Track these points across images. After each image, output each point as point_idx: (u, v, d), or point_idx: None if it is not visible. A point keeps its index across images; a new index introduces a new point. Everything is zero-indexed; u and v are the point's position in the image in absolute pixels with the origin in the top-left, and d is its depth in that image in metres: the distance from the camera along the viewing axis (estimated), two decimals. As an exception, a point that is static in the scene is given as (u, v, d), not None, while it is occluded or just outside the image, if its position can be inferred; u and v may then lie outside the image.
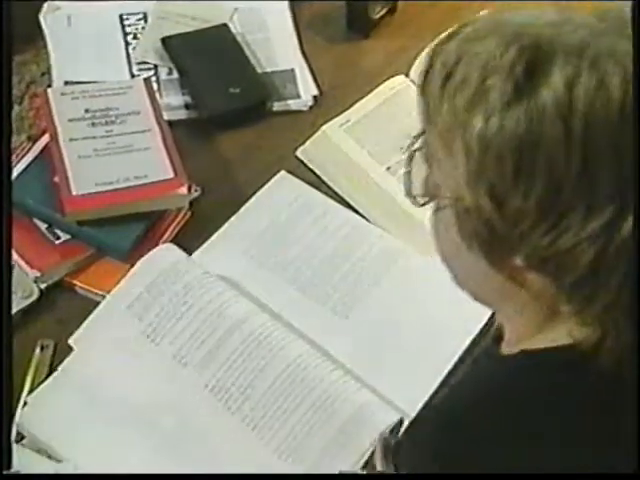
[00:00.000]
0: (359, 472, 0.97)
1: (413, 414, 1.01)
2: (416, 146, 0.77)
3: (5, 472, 0.88)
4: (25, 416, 1.00)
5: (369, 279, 1.15)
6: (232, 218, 1.19)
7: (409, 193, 0.79)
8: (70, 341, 1.05)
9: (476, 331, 1.08)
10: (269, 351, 1.03)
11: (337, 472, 0.96)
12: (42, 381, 1.03)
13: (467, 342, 1.08)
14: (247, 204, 1.20)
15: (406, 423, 1.00)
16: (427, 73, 0.73)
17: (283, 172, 1.23)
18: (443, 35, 0.73)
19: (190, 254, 1.13)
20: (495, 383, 0.78)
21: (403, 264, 1.16)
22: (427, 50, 0.75)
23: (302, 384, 1.01)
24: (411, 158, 0.78)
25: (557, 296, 0.72)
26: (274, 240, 1.17)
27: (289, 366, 1.02)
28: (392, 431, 0.98)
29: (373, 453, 0.96)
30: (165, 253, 1.10)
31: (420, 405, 1.02)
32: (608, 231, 0.66)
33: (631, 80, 0.64)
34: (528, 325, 0.78)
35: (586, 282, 0.68)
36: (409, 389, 1.04)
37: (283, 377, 1.02)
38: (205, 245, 1.15)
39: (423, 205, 0.78)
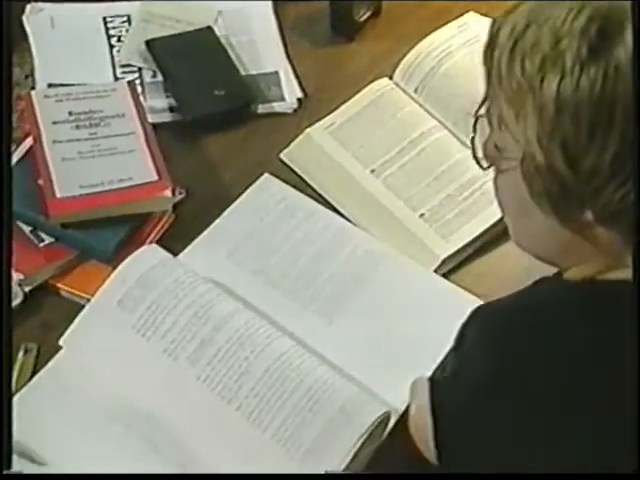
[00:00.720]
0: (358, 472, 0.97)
1: (401, 408, 1.00)
2: (480, 112, 0.80)
3: (5, 472, 0.88)
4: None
5: (353, 282, 1.15)
6: (216, 221, 1.18)
7: (475, 157, 0.82)
8: (60, 342, 1.04)
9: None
10: (256, 346, 1.02)
11: (328, 464, 0.95)
12: (25, 384, 1.03)
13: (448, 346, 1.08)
14: (231, 207, 1.20)
15: (393, 420, 1.00)
16: (492, 41, 0.76)
17: (267, 175, 1.23)
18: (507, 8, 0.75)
19: (174, 257, 1.13)
20: (554, 301, 0.80)
21: (387, 266, 1.16)
22: (491, 20, 0.77)
23: (291, 376, 1.01)
24: (475, 123, 0.81)
25: (624, 249, 0.74)
26: (258, 243, 1.17)
27: (276, 361, 1.02)
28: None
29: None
30: (150, 253, 1.10)
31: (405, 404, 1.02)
32: None
33: None
34: (590, 273, 0.80)
35: None
36: (394, 389, 1.03)
37: (270, 372, 1.01)
38: (189, 248, 1.15)
39: (488, 168, 0.81)
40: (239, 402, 0.99)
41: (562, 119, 0.70)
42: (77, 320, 1.05)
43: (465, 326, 0.84)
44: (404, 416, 0.99)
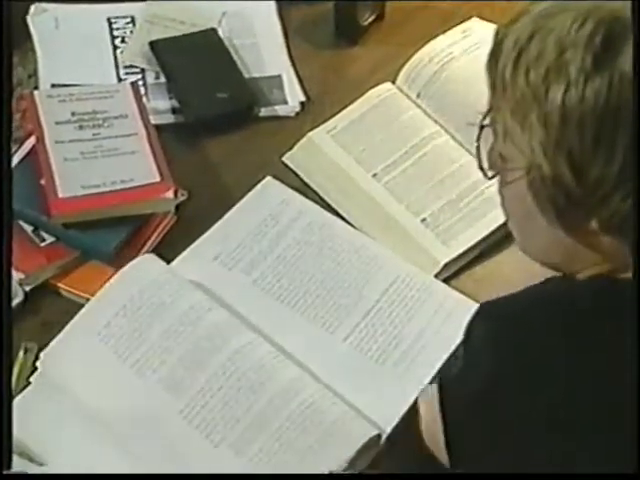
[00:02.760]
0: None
1: (389, 429, 1.00)
2: (485, 122, 0.80)
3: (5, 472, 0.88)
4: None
5: (354, 288, 1.14)
6: (217, 224, 1.18)
7: (480, 167, 0.82)
8: (41, 354, 1.03)
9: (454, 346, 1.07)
10: (250, 369, 1.02)
11: None
12: (26, 384, 1.03)
13: (444, 357, 1.07)
14: (231, 211, 1.20)
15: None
16: (496, 51, 0.76)
17: (269, 177, 1.23)
18: (512, 17, 0.76)
19: (174, 258, 1.13)
20: (561, 297, 0.80)
21: (388, 272, 1.16)
22: (495, 29, 0.77)
23: (276, 396, 1.01)
24: (480, 134, 0.82)
25: (629, 257, 0.74)
26: (258, 247, 1.16)
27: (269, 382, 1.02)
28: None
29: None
30: (143, 267, 1.10)
31: (395, 421, 1.01)
32: None
33: None
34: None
35: None
36: (386, 405, 1.03)
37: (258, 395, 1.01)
38: (186, 252, 1.15)
39: (492, 177, 0.81)
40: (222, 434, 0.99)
41: (567, 130, 0.70)
42: (56, 340, 1.04)
43: (472, 323, 0.84)
44: (415, 417, 0.99)
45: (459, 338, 0.95)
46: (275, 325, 1.09)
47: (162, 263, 1.10)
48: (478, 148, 0.84)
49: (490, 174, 0.83)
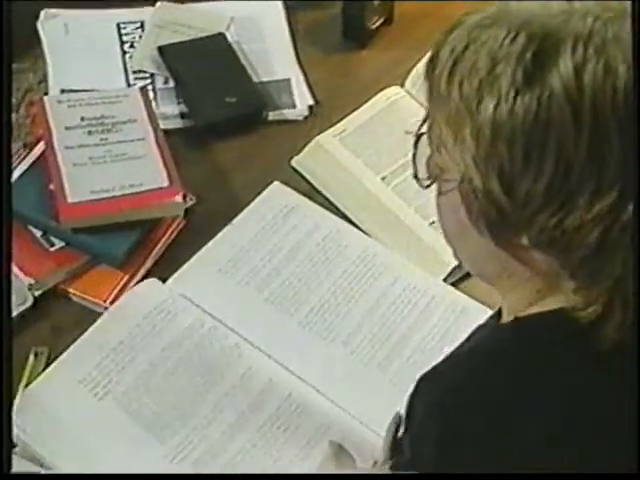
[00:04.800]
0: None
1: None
2: (422, 130, 0.79)
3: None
4: (16, 421, 0.99)
5: (360, 295, 1.14)
6: (222, 231, 1.18)
7: (416, 176, 0.81)
8: (25, 392, 1.03)
9: None
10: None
11: None
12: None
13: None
14: (238, 217, 1.20)
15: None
16: (433, 60, 0.75)
17: (277, 183, 1.24)
18: (450, 25, 0.75)
19: (183, 262, 1.14)
20: (487, 350, 0.79)
21: (396, 277, 1.16)
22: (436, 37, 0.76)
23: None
24: (417, 142, 0.81)
25: (560, 273, 0.73)
26: (265, 253, 1.17)
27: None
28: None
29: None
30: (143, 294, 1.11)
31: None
32: (614, 212, 0.68)
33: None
34: (526, 299, 0.79)
35: (591, 260, 0.70)
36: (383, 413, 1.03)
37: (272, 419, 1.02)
38: (192, 260, 1.15)
39: (428, 187, 0.80)
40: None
41: (497, 144, 0.70)
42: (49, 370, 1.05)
43: (412, 397, 0.83)
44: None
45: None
46: (276, 336, 1.10)
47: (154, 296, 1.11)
48: (414, 156, 0.82)
49: (426, 183, 0.81)
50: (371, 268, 1.16)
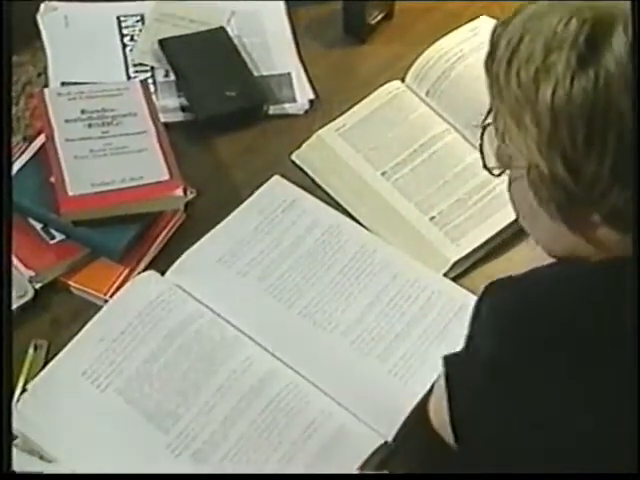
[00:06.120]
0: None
1: (391, 436, 1.00)
2: (487, 121, 0.82)
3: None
4: (17, 415, 0.99)
5: (360, 289, 1.14)
6: (220, 224, 1.18)
7: (484, 165, 0.84)
8: (28, 386, 1.03)
9: None
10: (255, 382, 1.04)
11: None
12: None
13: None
14: (239, 208, 1.20)
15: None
16: (492, 52, 0.77)
17: (277, 176, 1.23)
18: (505, 17, 0.78)
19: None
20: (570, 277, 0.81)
21: (395, 270, 1.16)
22: (491, 29, 0.79)
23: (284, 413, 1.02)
24: (483, 133, 0.83)
25: (630, 249, 0.74)
26: (264, 246, 1.16)
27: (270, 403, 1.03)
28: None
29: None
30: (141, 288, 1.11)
31: (396, 428, 1.01)
32: None
33: None
34: None
35: None
36: (387, 410, 1.03)
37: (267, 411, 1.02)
38: (193, 248, 1.15)
39: (499, 175, 0.83)
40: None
41: (558, 129, 0.71)
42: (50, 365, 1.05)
43: (480, 301, 0.85)
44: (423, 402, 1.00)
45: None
46: (275, 325, 1.10)
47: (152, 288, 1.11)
48: (482, 146, 0.85)
49: (497, 172, 0.84)
50: (371, 263, 1.16)
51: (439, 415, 0.88)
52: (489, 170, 0.85)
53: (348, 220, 1.21)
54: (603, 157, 0.70)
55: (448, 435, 0.84)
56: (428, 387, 1.02)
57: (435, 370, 0.92)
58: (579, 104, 0.70)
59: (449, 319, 1.11)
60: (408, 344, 1.09)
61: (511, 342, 0.79)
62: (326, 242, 1.18)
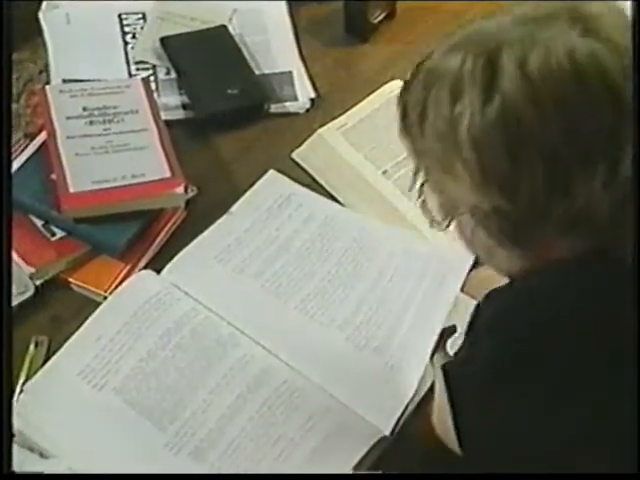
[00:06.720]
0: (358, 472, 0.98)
1: (388, 430, 1.01)
2: (420, 180, 0.84)
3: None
4: (16, 413, 0.99)
5: (359, 277, 1.14)
6: (219, 219, 1.18)
7: (431, 222, 0.86)
8: (26, 386, 1.03)
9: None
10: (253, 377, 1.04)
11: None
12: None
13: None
14: (234, 206, 1.20)
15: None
16: (403, 118, 0.81)
17: (272, 171, 1.24)
18: (404, 83, 0.82)
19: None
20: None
21: (392, 254, 1.16)
22: (397, 96, 0.83)
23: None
24: (421, 193, 0.85)
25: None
26: (259, 244, 1.17)
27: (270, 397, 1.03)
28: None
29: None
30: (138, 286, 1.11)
31: (393, 422, 1.02)
32: (612, 175, 0.72)
33: (577, 47, 0.71)
34: None
35: (610, 227, 0.74)
36: (384, 405, 1.03)
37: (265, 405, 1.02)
38: (189, 247, 1.15)
39: (447, 227, 0.84)
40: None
41: (485, 162, 0.74)
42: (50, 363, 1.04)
43: (478, 307, 0.86)
44: (422, 407, 1.01)
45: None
46: (272, 320, 1.10)
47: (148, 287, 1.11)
48: (423, 204, 0.86)
49: (445, 224, 0.85)
50: (367, 251, 1.16)
51: (442, 424, 0.88)
52: (438, 225, 0.86)
53: (345, 212, 1.21)
54: (533, 172, 0.72)
55: (452, 442, 0.84)
56: (424, 381, 1.03)
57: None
58: (494, 130, 0.72)
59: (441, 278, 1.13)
60: (405, 329, 1.09)
61: (511, 345, 0.79)
62: (323, 234, 1.18)
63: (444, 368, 0.86)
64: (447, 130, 0.75)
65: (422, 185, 0.84)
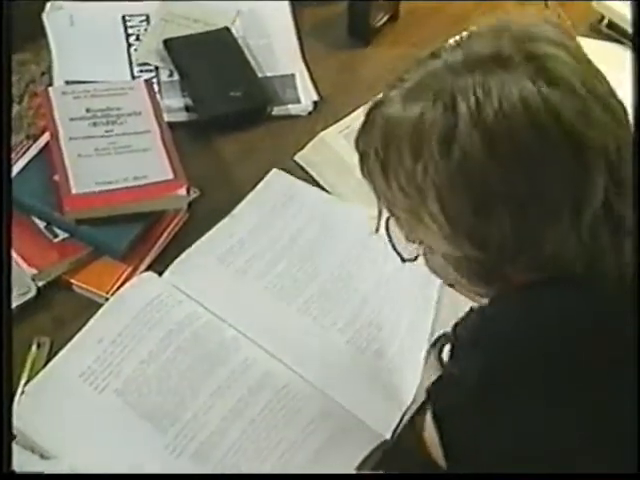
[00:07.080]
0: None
1: (387, 435, 1.01)
2: (386, 217, 0.85)
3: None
4: (17, 415, 0.99)
5: (359, 284, 1.14)
6: (221, 221, 1.18)
7: (399, 255, 0.86)
8: (27, 388, 1.02)
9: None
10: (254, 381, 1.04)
11: None
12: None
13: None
14: (237, 207, 1.20)
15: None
16: (363, 162, 0.81)
17: (275, 170, 1.24)
18: (360, 126, 0.82)
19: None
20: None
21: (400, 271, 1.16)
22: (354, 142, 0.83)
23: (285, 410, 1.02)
24: (387, 228, 0.86)
25: None
26: (262, 245, 1.17)
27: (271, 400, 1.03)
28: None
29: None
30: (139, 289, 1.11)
31: (393, 425, 1.02)
32: (580, 215, 0.72)
33: (530, 93, 0.71)
34: None
35: (580, 256, 0.75)
36: (383, 408, 1.03)
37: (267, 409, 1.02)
38: (191, 248, 1.15)
39: (416, 259, 0.85)
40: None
41: (450, 213, 0.74)
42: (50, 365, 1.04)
43: (456, 326, 0.86)
44: (415, 420, 1.00)
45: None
46: (274, 322, 1.10)
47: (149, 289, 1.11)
48: (390, 237, 0.86)
49: (414, 255, 0.86)
50: (371, 251, 1.16)
51: (432, 439, 0.89)
52: (403, 258, 0.86)
53: (345, 204, 1.21)
54: (499, 222, 0.73)
55: (440, 457, 0.84)
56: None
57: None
58: (456, 183, 0.72)
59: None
60: (403, 332, 1.09)
61: (496, 362, 0.79)
62: (326, 234, 1.18)
63: (430, 396, 0.86)
64: (411, 184, 0.75)
65: (387, 220, 0.85)
